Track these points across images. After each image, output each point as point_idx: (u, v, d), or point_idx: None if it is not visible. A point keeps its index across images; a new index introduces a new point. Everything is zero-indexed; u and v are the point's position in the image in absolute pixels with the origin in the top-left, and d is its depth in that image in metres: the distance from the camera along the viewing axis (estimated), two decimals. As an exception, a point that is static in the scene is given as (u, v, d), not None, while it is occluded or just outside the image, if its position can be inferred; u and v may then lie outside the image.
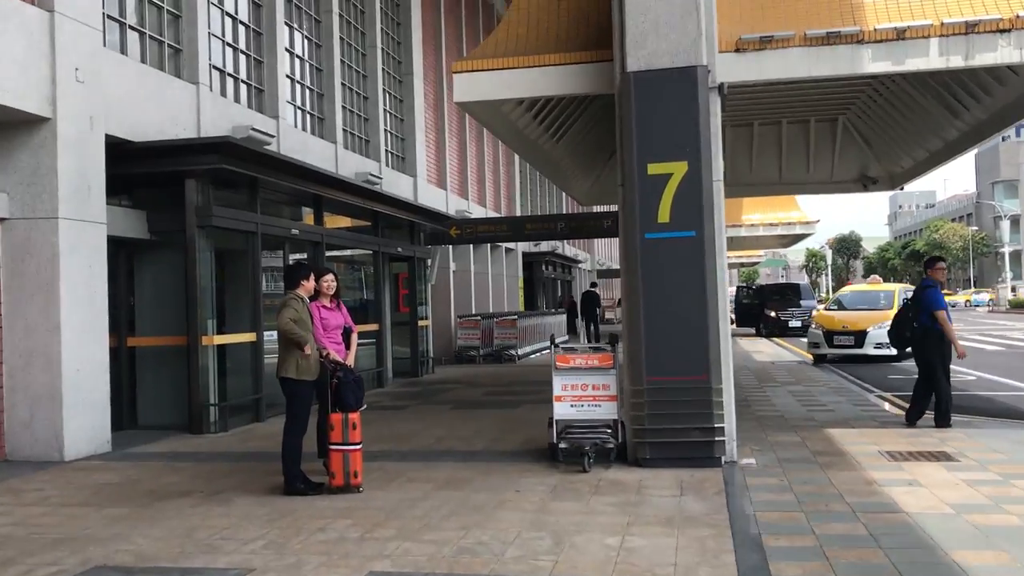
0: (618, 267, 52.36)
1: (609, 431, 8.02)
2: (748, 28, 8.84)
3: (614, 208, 24.74)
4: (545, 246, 35.31)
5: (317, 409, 7.77)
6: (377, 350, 16.26)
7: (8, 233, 9.00)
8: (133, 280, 11.38)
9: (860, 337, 18.97)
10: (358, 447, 7.06)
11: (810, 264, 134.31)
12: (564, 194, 42.78)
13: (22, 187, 8.98)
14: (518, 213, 31.07)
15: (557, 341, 8.71)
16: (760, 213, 31.20)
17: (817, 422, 10.28)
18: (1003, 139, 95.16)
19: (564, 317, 31.07)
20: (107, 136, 9.75)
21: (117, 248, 10.90)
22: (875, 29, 8.52)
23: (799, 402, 12.25)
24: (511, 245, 29.93)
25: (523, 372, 18.89)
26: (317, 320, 7.54)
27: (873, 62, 8.57)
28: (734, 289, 38.98)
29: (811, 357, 19.90)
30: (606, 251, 62.69)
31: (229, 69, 13.19)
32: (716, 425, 7.71)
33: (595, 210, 25.62)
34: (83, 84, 9.31)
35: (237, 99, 13.32)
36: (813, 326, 20.48)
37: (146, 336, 11.27)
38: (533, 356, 23.36)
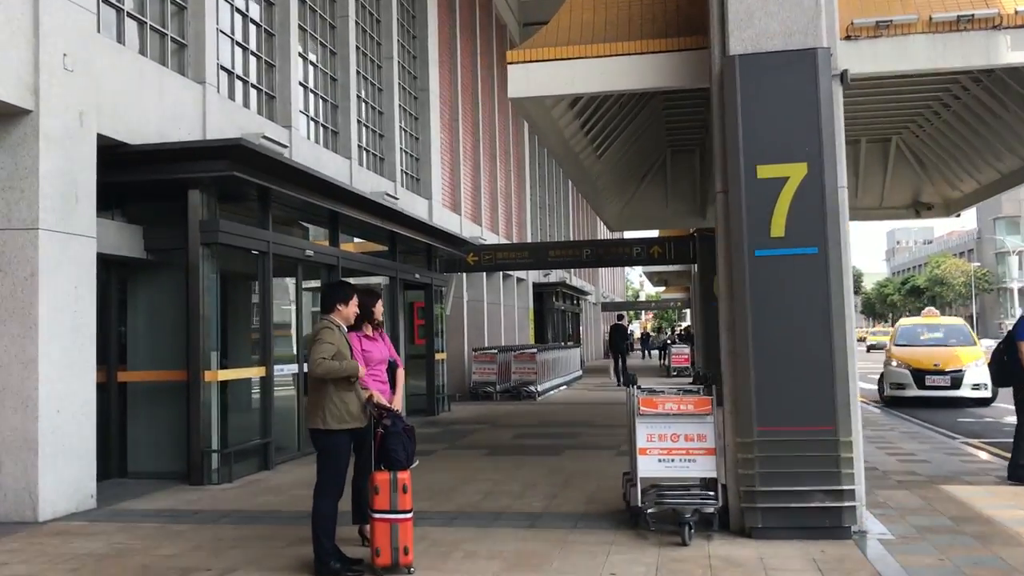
0: (620, 300, 51.10)
1: (711, 493, 6.54)
2: (859, 11, 7.51)
3: (643, 234, 23.09)
4: (554, 277, 33.95)
5: (353, 463, 6.25)
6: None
7: (-22, 247, 7.54)
8: (125, 305, 9.88)
9: (957, 377, 16.88)
10: (409, 516, 5.56)
11: None
12: (574, 223, 41.55)
13: (-4, 192, 7.54)
14: (528, 240, 29.71)
15: (639, 382, 7.23)
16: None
17: (922, 476, 8.81)
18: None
19: (576, 351, 29.62)
20: (99, 137, 8.32)
21: (108, 268, 9.44)
22: (1016, 12, 7.20)
23: (882, 450, 10.78)
24: (522, 275, 28.55)
25: (548, 412, 17.37)
26: (357, 353, 6.09)
27: (1013, 51, 7.24)
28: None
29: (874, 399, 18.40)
30: (609, 283, 61.36)
31: (238, 71, 11.81)
32: (845, 487, 6.24)
33: (624, 236, 24.25)
34: (72, 73, 7.89)
35: (247, 104, 11.93)
36: (894, 364, 17.95)
37: (139, 370, 9.76)
38: (552, 393, 21.86)
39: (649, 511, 6.54)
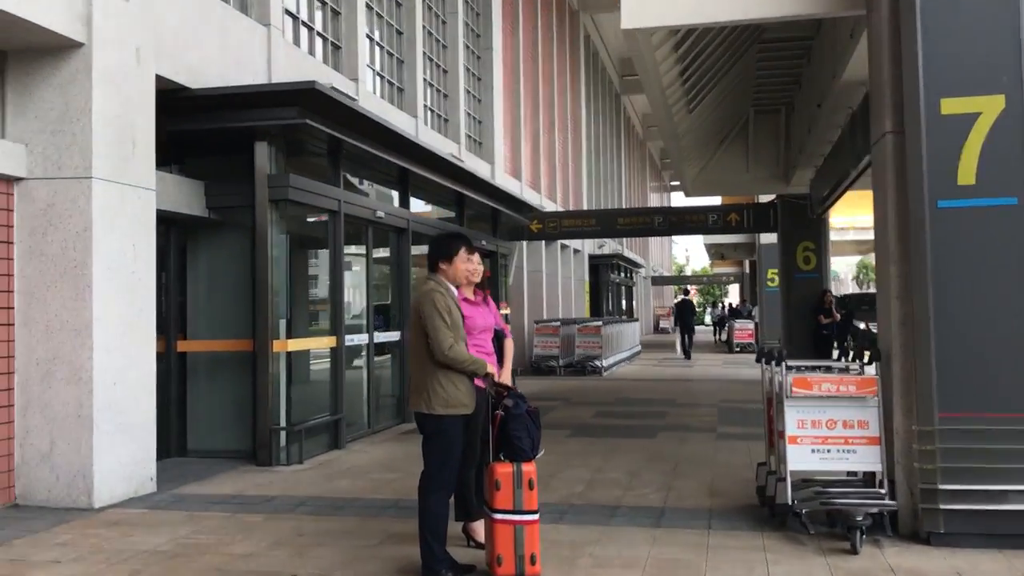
0: (669, 275, 49.53)
1: (882, 491, 5.51)
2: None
3: (717, 202, 21.59)
4: (608, 248, 32.83)
5: (462, 452, 5.30)
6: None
7: (25, 198, 6.69)
8: (184, 268, 9.04)
9: None
10: (535, 517, 4.61)
11: (860, 276, 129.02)
12: (626, 194, 40.29)
13: (44, 136, 6.66)
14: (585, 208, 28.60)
15: (777, 353, 6.16)
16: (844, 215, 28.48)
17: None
18: None
19: (636, 325, 28.58)
20: (157, 79, 7.42)
21: (165, 227, 8.59)
22: None
23: None
24: (578, 246, 27.49)
25: (620, 388, 16.37)
26: (458, 319, 5.13)
27: None
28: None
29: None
30: (657, 256, 60.02)
31: (303, 16, 10.87)
32: (1053, 487, 5.18)
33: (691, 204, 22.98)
34: (128, 3, 6.98)
35: (312, 52, 10.99)
36: None
37: (200, 339, 8.93)
38: (616, 368, 20.86)
39: (804, 511, 5.52)
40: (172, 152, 8.49)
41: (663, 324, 50.93)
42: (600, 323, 19.90)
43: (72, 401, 6.56)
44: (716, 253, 40.86)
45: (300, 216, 9.30)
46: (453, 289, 4.95)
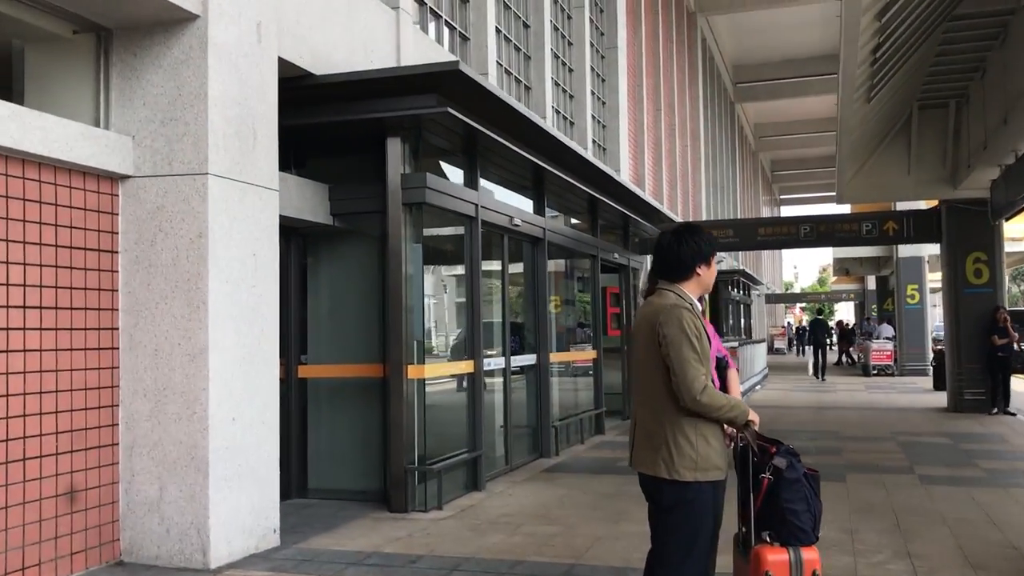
0: (782, 292, 47.04)
1: None
2: None
3: (873, 208, 19.38)
4: (727, 264, 31.03)
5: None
6: (594, 385, 12.52)
7: (132, 199, 5.69)
8: (306, 283, 8.00)
9: None
10: (823, 626, 3.25)
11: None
12: (741, 205, 38.35)
13: (153, 126, 5.65)
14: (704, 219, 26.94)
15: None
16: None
17: None
18: None
19: (763, 346, 26.76)
20: (278, 62, 6.39)
21: (286, 237, 7.57)
22: None
23: None
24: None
25: (768, 417, 14.68)
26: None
27: None
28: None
29: None
30: (769, 273, 57.48)
31: (431, 3, 9.80)
32: None
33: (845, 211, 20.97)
34: (248, -29, 5.97)
35: (439, 41, 9.92)
36: None
37: (323, 363, 7.86)
38: (751, 393, 19.17)
39: None
40: (291, 151, 7.48)
41: (778, 344, 48.49)
42: (736, 345, 18.27)
43: (185, 440, 5.49)
44: (841, 268, 38.24)
45: (434, 223, 8.16)
46: (698, 305, 3.63)
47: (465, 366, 8.17)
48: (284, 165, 7.14)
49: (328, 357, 7.87)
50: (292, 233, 7.70)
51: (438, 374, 7.78)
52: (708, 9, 27.85)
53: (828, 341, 27.37)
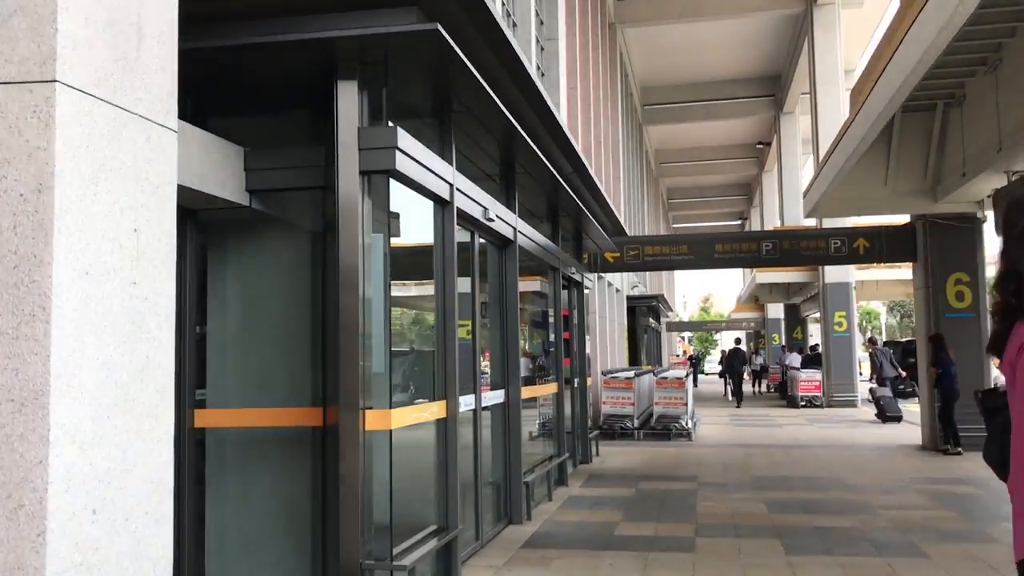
0: (688, 320, 46.81)
1: None
2: None
3: (841, 224, 17.25)
4: (641, 287, 29.55)
5: None
6: (557, 425, 10.37)
7: (-86, 125, 3.18)
8: (205, 290, 5.55)
9: None
10: None
11: (862, 323, 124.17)
12: (650, 223, 37.09)
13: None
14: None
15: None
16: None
17: None
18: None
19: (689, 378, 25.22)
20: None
21: (180, 220, 5.12)
22: None
23: None
24: (618, 283, 24.13)
25: (733, 457, 12.91)
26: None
27: None
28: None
29: None
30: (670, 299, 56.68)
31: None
32: None
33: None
34: None
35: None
36: None
37: (232, 407, 5.41)
38: (701, 428, 17.39)
39: None
40: (190, 94, 5.08)
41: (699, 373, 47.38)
42: (682, 376, 16.45)
43: (4, 557, 3.00)
44: (751, 297, 37.24)
45: (393, 207, 5.86)
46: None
47: (437, 409, 5.86)
48: (181, 113, 4.72)
49: (238, 398, 5.43)
50: (188, 216, 5.26)
51: (409, 421, 5.43)
52: (628, 20, 26.42)
53: (744, 369, 27.42)
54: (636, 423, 15.83)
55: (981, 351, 13.25)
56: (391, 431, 4.97)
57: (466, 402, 6.57)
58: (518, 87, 6.53)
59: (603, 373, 16.41)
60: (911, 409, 18.65)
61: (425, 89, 5.82)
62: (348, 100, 4.98)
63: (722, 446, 14.39)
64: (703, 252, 14.75)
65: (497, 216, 7.21)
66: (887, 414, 18.69)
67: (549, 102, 7.19)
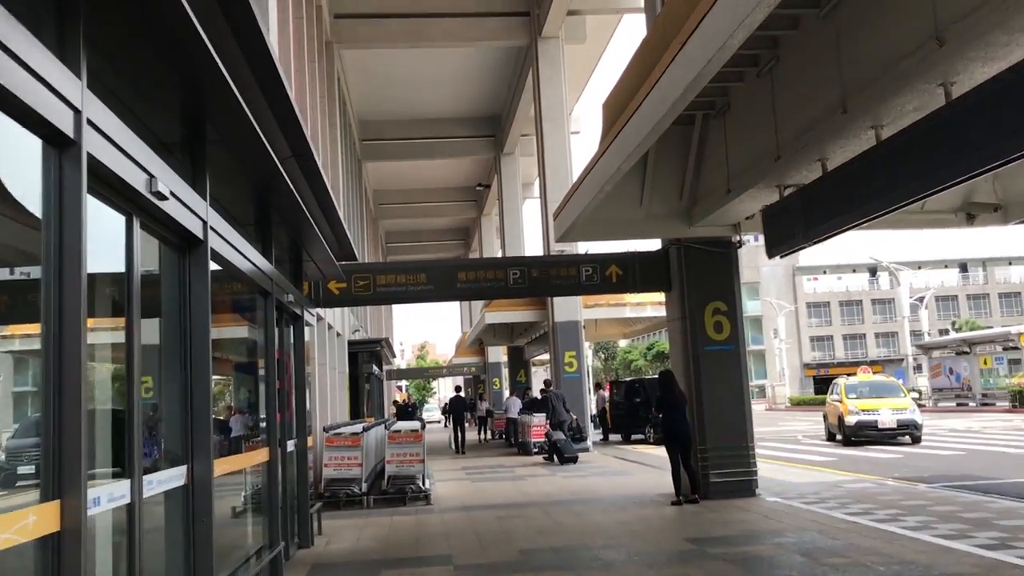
0: (407, 368, 45.44)
1: None
2: None
3: (593, 249, 14.87)
4: (363, 331, 27.10)
5: None
6: (268, 501, 7.65)
7: None
8: None
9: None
10: None
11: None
12: (368, 249, 34.75)
13: None
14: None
15: None
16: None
17: None
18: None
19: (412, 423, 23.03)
20: None
21: None
22: None
23: None
24: (339, 326, 21.55)
25: (489, 525, 10.80)
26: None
27: None
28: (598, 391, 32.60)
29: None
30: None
31: None
32: None
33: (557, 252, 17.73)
34: None
35: None
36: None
37: None
38: (438, 486, 15.13)
39: None
40: None
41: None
42: (417, 428, 14.17)
43: None
44: (495, 335, 35.30)
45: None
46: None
47: (38, 519, 3.11)
48: None
49: None
50: None
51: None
52: (346, 40, 24.21)
53: (467, 416, 26.98)
54: (364, 487, 13.33)
55: (743, 385, 12.29)
56: None
57: (108, 496, 3.85)
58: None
59: (325, 429, 13.75)
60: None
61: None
62: None
63: (469, 509, 12.26)
64: (444, 281, 12.68)
65: (174, 194, 4.59)
66: (564, 455, 19.09)
67: (262, 26, 4.72)
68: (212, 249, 5.43)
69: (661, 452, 22.78)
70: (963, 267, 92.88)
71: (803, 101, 8.98)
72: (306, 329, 10.81)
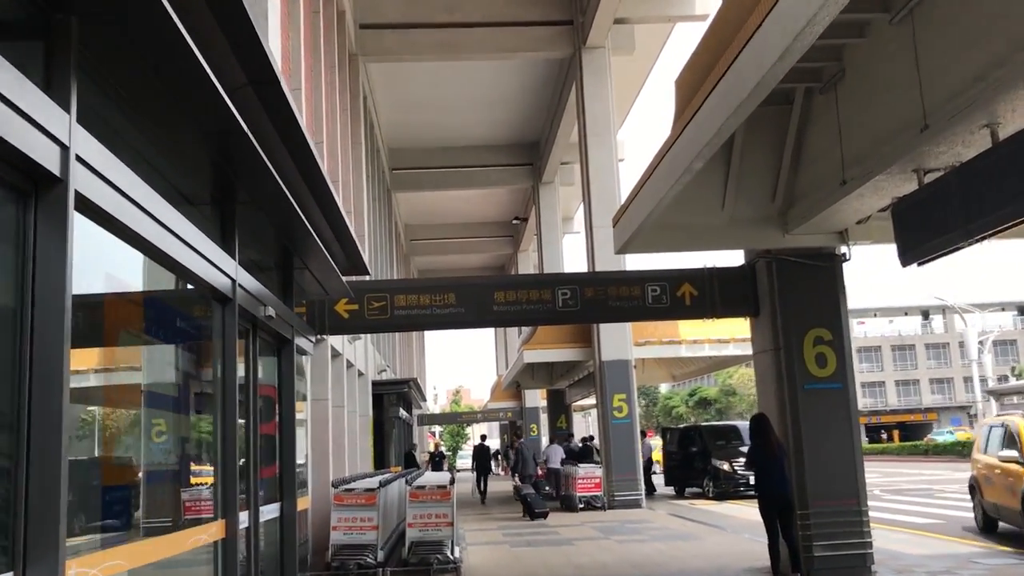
0: (441, 412, 43.30)
1: None
2: None
3: (662, 266, 11.25)
4: (390, 371, 24.80)
5: None
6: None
7: None
8: None
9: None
10: None
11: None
12: (398, 267, 32.56)
13: None
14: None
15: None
16: (699, 327, 22.47)
17: None
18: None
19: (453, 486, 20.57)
20: None
21: None
22: None
23: None
24: (361, 365, 19.25)
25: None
26: None
27: None
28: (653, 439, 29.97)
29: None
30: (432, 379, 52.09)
31: None
32: None
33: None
34: None
35: None
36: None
37: None
38: (470, 551, 12.64)
39: None
40: None
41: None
42: (446, 484, 11.71)
43: None
44: (533, 377, 32.34)
45: None
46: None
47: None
48: None
49: None
50: None
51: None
52: (371, 52, 22.25)
53: (491, 465, 28.89)
54: (381, 555, 10.89)
55: (853, 432, 9.74)
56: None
57: None
58: None
59: (334, 484, 11.37)
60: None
61: None
62: None
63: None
64: (477, 303, 10.28)
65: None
66: (535, 511, 18.72)
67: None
68: (78, 193, 3.14)
69: (723, 509, 20.15)
70: (1021, 310, 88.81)
71: (968, 45, 6.59)
72: (306, 360, 8.52)
